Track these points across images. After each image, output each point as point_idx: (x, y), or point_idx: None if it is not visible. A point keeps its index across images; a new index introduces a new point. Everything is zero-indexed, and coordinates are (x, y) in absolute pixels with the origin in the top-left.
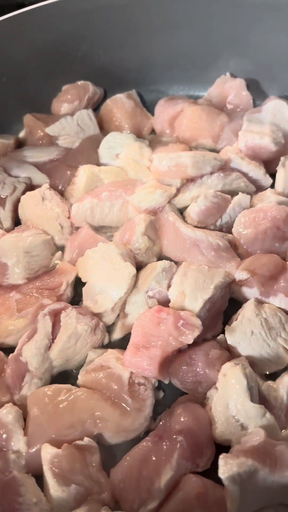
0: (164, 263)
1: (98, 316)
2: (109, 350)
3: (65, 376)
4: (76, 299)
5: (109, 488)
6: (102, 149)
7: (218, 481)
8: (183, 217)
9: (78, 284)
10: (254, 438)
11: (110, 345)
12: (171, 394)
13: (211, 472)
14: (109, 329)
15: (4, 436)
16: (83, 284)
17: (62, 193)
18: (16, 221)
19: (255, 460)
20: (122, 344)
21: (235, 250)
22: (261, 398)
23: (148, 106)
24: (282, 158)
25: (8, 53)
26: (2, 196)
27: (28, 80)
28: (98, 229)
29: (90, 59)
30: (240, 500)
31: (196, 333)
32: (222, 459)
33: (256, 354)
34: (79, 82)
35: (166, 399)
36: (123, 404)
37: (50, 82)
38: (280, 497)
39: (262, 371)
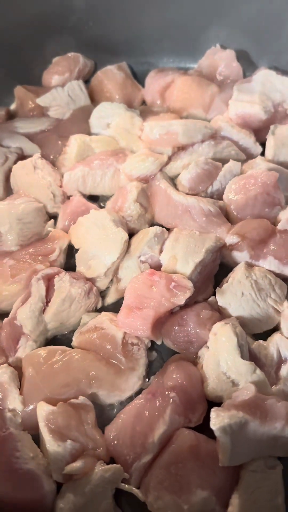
0: (156, 228)
1: (91, 281)
2: (103, 313)
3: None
4: (69, 267)
5: (104, 445)
6: (93, 119)
7: (211, 436)
8: (174, 185)
9: (72, 252)
10: (245, 393)
11: (103, 309)
12: (163, 356)
13: (203, 428)
14: (103, 294)
15: (0, 395)
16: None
17: (53, 163)
18: (8, 192)
19: (245, 412)
20: (115, 308)
21: (226, 216)
22: (251, 356)
23: (139, 78)
24: (271, 127)
25: None
26: None
27: (17, 51)
28: (89, 198)
29: (80, 30)
30: (231, 451)
31: (188, 294)
32: (214, 412)
33: (247, 315)
34: (70, 54)
35: (159, 361)
36: (117, 363)
37: (40, 54)
38: (269, 449)
39: (252, 331)
